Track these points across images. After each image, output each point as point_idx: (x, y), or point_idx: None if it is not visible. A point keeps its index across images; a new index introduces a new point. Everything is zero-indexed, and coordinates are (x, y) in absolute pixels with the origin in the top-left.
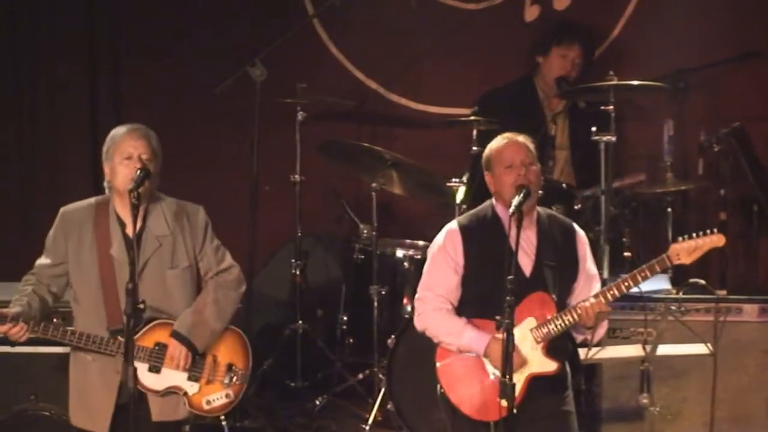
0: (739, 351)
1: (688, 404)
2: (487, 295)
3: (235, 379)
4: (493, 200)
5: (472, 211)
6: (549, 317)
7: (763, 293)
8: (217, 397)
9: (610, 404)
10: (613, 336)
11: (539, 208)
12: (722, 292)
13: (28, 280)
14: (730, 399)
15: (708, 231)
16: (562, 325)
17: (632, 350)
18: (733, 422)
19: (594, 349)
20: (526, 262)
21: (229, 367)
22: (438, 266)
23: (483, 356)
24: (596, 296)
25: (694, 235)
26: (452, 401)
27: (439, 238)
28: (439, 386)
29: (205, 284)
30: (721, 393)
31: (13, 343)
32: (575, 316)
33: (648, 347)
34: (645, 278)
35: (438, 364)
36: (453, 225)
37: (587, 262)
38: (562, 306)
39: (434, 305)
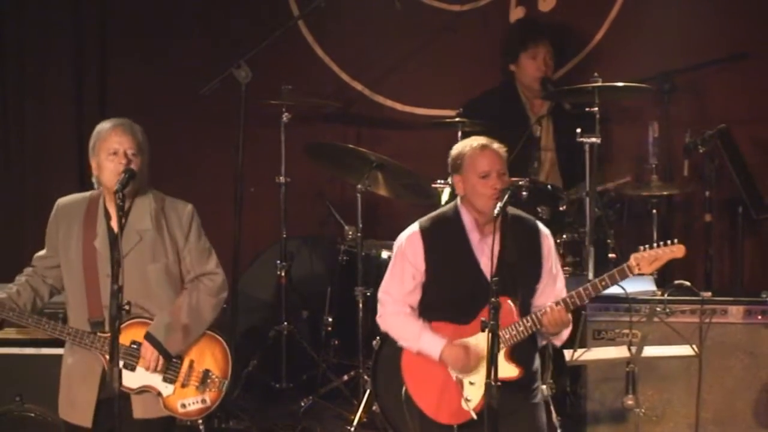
0: (725, 352)
1: (674, 406)
2: (447, 298)
3: (210, 386)
4: (458, 202)
5: (435, 213)
6: (511, 323)
7: (749, 295)
8: (192, 401)
9: (595, 406)
10: (599, 338)
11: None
12: (707, 294)
13: (26, 272)
14: (716, 400)
15: (668, 242)
16: (524, 331)
17: (617, 352)
18: (719, 424)
19: (579, 351)
20: (487, 265)
21: (206, 374)
22: (397, 271)
23: (439, 361)
24: (558, 303)
25: (655, 245)
26: (416, 403)
27: (402, 240)
28: (404, 388)
29: (186, 285)
30: (706, 394)
31: None
32: (536, 323)
33: (633, 349)
34: (606, 287)
35: (403, 366)
36: (415, 228)
37: (551, 261)
38: (525, 307)
39: (393, 309)
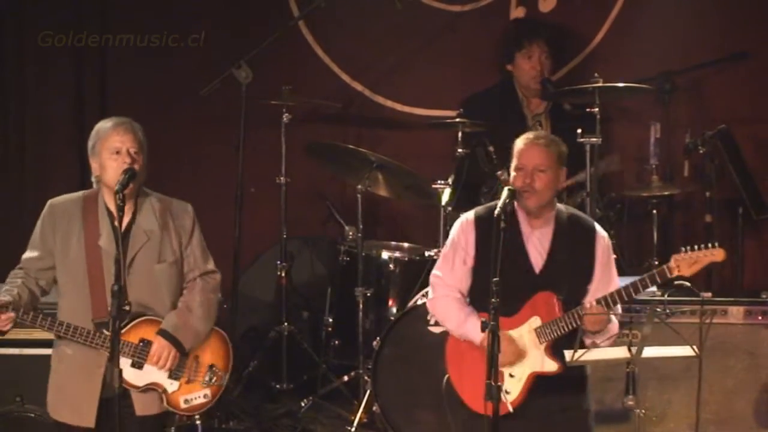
0: (725, 353)
1: (674, 406)
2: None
3: (215, 380)
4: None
5: (494, 202)
6: (553, 318)
7: (749, 295)
8: (195, 396)
9: (596, 406)
10: None
11: (562, 207)
12: (708, 294)
13: (17, 274)
14: (716, 401)
15: (709, 244)
16: (565, 327)
17: (618, 352)
18: (719, 424)
19: (579, 351)
20: (537, 259)
21: (210, 368)
22: (449, 256)
23: (480, 346)
24: (598, 302)
25: (695, 247)
26: (458, 391)
27: (456, 225)
28: (447, 376)
29: (189, 283)
30: (706, 395)
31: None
32: (577, 320)
33: (633, 349)
34: (645, 287)
35: (447, 354)
36: (470, 215)
37: (605, 265)
38: (571, 307)
39: (442, 292)
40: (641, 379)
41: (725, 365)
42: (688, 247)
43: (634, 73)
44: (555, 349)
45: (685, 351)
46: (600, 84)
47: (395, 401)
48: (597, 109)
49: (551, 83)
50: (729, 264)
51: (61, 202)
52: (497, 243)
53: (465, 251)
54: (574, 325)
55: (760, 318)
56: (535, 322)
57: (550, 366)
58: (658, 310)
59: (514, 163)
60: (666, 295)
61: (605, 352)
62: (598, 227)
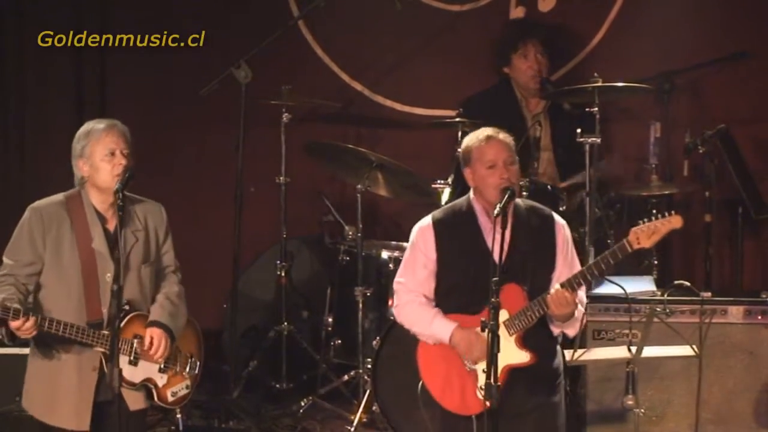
0: (725, 352)
1: (674, 406)
2: (460, 287)
3: (196, 368)
4: (471, 194)
5: (448, 205)
6: (521, 309)
7: (748, 295)
8: (179, 388)
9: (595, 406)
10: (598, 338)
11: (519, 200)
12: (707, 294)
13: (5, 281)
14: (716, 401)
15: (666, 213)
16: (533, 315)
17: (617, 352)
18: (719, 424)
19: (579, 351)
20: (499, 252)
21: (190, 358)
22: (409, 261)
23: (450, 345)
24: (562, 285)
25: (652, 217)
26: (433, 396)
27: (414, 231)
28: (421, 382)
29: (166, 277)
30: (706, 395)
31: (15, 340)
32: (544, 307)
33: (633, 349)
34: (608, 265)
35: (419, 361)
36: (427, 220)
37: (566, 252)
38: (537, 296)
39: (406, 298)
40: (641, 378)
41: (725, 365)
42: (646, 219)
43: (633, 73)
44: (526, 340)
45: (685, 351)
46: (599, 84)
47: (395, 401)
48: (596, 109)
49: (550, 83)
50: (728, 264)
51: (46, 205)
52: (501, 242)
53: (425, 256)
54: (541, 312)
55: (759, 318)
56: (503, 315)
57: (522, 357)
58: (658, 309)
59: (482, 162)
60: (666, 295)
61: (604, 352)
62: (556, 216)
